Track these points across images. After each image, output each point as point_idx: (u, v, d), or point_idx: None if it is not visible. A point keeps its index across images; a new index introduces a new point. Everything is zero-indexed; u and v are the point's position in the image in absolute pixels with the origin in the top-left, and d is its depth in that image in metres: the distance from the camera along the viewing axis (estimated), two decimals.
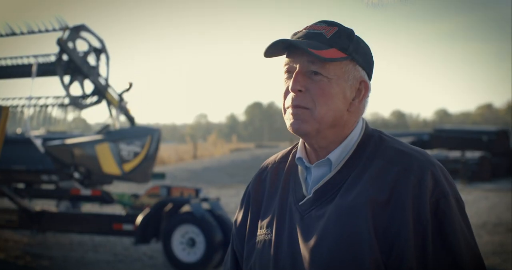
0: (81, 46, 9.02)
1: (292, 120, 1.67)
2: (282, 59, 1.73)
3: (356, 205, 1.58)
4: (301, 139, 1.77)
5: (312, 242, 1.62)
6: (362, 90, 1.71)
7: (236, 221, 1.93)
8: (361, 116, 1.75)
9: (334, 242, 1.58)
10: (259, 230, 1.81)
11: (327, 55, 1.61)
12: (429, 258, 1.54)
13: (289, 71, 1.70)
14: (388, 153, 1.66)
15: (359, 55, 1.69)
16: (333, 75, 1.64)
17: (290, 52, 1.69)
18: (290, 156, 1.87)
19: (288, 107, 1.68)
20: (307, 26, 1.72)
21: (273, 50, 1.69)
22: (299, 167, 1.78)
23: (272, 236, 1.75)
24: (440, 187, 1.59)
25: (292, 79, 1.66)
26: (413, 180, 1.57)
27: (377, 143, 1.70)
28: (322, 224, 1.62)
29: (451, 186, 1.62)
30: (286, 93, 1.69)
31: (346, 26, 1.72)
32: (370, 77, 1.74)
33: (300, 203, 1.71)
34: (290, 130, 1.68)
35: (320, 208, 1.66)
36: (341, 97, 1.66)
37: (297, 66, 1.67)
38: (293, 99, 1.66)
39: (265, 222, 1.80)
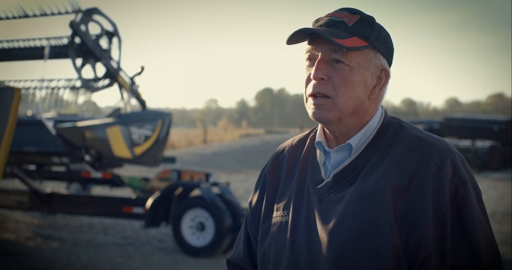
0: (93, 29, 9.04)
1: (314, 109, 1.68)
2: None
3: (377, 189, 1.59)
4: (320, 124, 1.78)
5: (330, 225, 1.63)
6: (382, 78, 1.72)
7: (251, 202, 1.94)
8: (380, 103, 1.77)
9: (354, 225, 1.59)
10: (275, 212, 1.81)
11: (349, 44, 1.62)
12: (447, 244, 1.55)
13: (311, 59, 1.71)
14: (408, 140, 1.67)
15: (380, 43, 1.69)
16: (354, 63, 1.65)
17: (312, 39, 1.70)
18: (308, 140, 1.88)
19: (309, 96, 1.69)
20: (329, 14, 1.72)
21: (296, 38, 1.69)
22: (318, 151, 1.79)
23: (288, 218, 1.76)
24: (459, 175, 1.60)
25: (314, 67, 1.67)
26: (433, 167, 1.59)
27: (396, 129, 1.71)
28: (341, 207, 1.63)
29: (469, 173, 1.64)
30: (308, 81, 1.70)
31: (367, 13, 1.72)
32: (390, 64, 1.75)
33: (319, 186, 1.72)
34: (312, 119, 1.69)
35: (339, 191, 1.67)
36: (362, 86, 1.67)
37: (319, 54, 1.67)
38: (314, 87, 1.67)
39: (281, 204, 1.80)
